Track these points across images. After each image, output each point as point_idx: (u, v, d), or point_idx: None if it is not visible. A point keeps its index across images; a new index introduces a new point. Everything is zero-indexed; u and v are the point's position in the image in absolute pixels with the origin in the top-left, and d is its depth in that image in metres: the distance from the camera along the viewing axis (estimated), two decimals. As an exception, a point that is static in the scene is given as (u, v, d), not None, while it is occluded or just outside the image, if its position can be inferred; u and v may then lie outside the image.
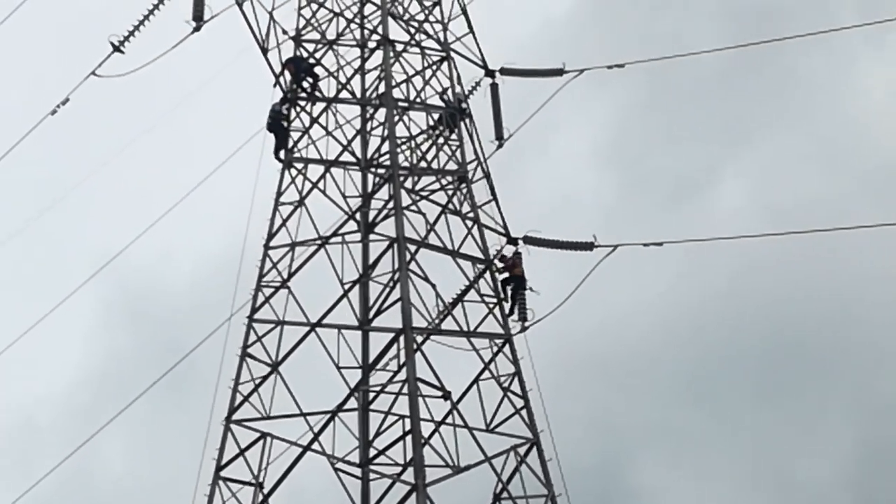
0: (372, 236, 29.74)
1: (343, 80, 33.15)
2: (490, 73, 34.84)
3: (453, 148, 31.78)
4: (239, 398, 27.08)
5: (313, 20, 34.20)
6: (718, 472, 44.44)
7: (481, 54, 34.82)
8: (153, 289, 51.51)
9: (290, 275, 28.98)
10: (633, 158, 50.45)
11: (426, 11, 34.39)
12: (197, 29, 33.95)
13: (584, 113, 48.81)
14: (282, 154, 31.33)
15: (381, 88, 32.50)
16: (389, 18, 33.61)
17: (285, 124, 31.67)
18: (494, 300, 28.51)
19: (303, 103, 32.63)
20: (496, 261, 29.47)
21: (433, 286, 27.95)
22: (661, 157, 50.04)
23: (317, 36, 34.03)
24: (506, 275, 29.35)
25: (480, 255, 29.33)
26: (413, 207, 29.50)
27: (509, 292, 29.53)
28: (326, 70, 33.35)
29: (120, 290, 49.87)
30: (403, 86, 32.60)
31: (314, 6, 34.31)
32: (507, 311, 28.80)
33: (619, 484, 43.64)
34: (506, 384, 27.21)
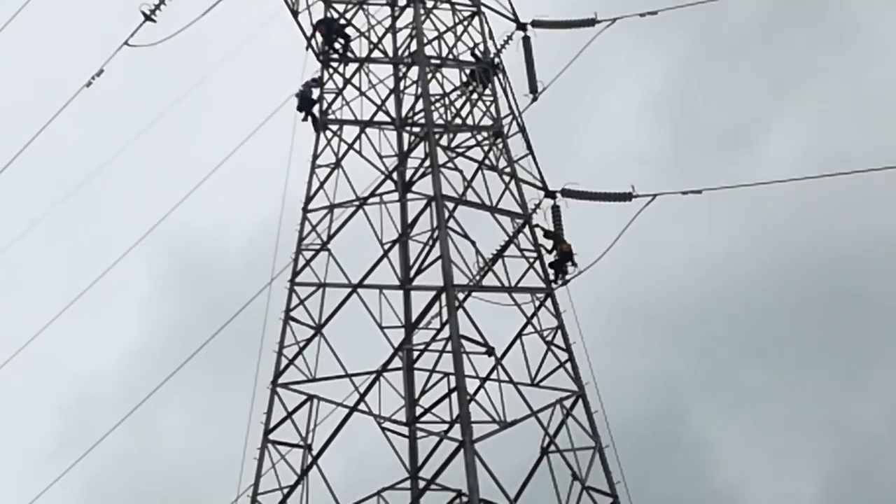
0: (410, 195, 29.74)
1: (374, 39, 33.09)
2: (522, 27, 34.56)
3: (487, 103, 31.67)
4: (284, 362, 27.22)
5: (342, -19, 34.05)
6: (775, 422, 44.28)
7: (512, 7, 34.56)
8: (199, 258, 51.82)
9: (330, 237, 29.05)
10: (683, 111, 50.15)
11: (455, -33, 34.15)
12: (227, -6, 33.89)
13: (635, 66, 48.70)
14: (314, 112, 31.23)
15: (413, 46, 32.42)
16: (419, -25, 33.41)
17: (315, 100, 31.48)
18: (534, 254, 28.43)
19: (335, 65, 32.57)
20: (543, 239, 29.11)
21: (473, 243, 27.94)
22: (711, 108, 49.66)
23: (347, -4, 33.91)
24: (554, 257, 29.00)
25: (519, 210, 29.25)
26: (449, 165, 29.44)
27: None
28: (357, 30, 33.27)
29: (170, 259, 50.17)
30: (435, 43, 32.50)
31: (343, -33, 34.17)
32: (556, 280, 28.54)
33: (675, 435, 43.66)
34: (549, 338, 27.20)
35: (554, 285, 28.69)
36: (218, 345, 31.01)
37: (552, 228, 30.24)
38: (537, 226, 29.32)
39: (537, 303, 27.59)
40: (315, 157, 30.79)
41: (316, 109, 31.50)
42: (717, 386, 45.01)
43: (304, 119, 31.32)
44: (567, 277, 29.35)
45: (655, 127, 49.69)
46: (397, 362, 27.17)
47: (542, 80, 33.67)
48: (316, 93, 31.57)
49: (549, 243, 28.62)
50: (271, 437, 26.35)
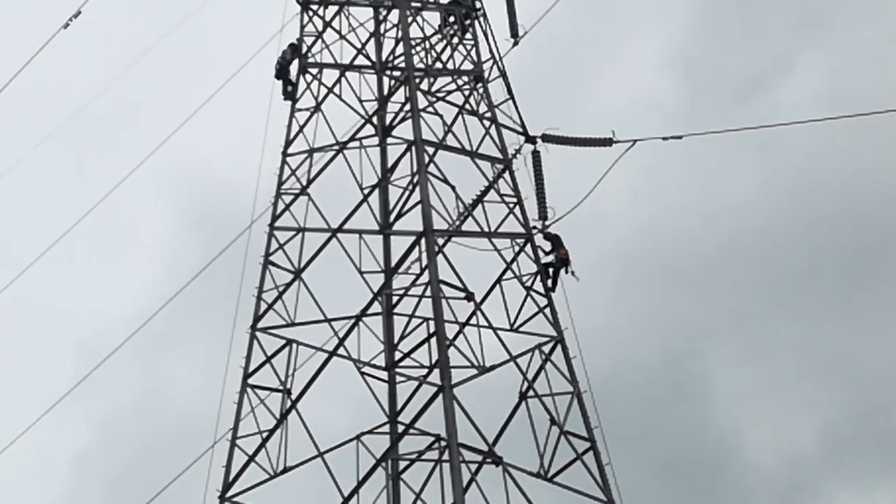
0: (389, 140, 29.65)
1: (355, -19, 32.80)
2: (503, -30, 34.32)
3: (468, 47, 31.50)
4: (263, 306, 27.19)
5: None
6: (782, 371, 44.35)
7: (493, -49, 34.27)
8: (188, 201, 51.74)
9: (310, 181, 28.96)
10: (701, 58, 49.92)
11: None
12: (205, -64, 33.62)
13: (654, 14, 48.56)
14: (290, 92, 30.91)
15: (394, -11, 32.19)
16: (399, -83, 33.10)
17: (292, 77, 31.16)
18: (514, 200, 28.37)
19: (315, 7, 32.32)
20: (540, 239, 28.44)
21: (453, 188, 27.89)
22: (729, 54, 49.44)
23: (327, -62, 33.60)
24: (551, 258, 28.07)
25: (499, 155, 29.16)
26: (430, 109, 29.32)
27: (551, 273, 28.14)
28: (337, -27, 32.99)
29: (190, 201, 50.07)
30: (416, -14, 32.25)
31: None
32: (549, 285, 27.52)
33: (680, 382, 43.78)
34: (528, 283, 27.21)
35: (533, 219, 28.67)
36: (212, 287, 31.06)
37: (534, 176, 30.10)
38: (539, 234, 28.67)
39: (517, 248, 27.58)
40: (294, 100, 30.65)
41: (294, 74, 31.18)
42: (728, 334, 45.11)
43: (284, 91, 30.93)
44: (547, 223, 29.27)
45: (672, 75, 49.63)
46: (377, 307, 27.14)
47: (524, 24, 33.50)
48: (294, 68, 31.21)
49: (547, 246, 28.24)
50: (250, 381, 26.35)
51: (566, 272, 27.84)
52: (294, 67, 31.23)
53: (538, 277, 27.31)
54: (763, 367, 44.08)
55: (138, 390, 45.94)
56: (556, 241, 28.29)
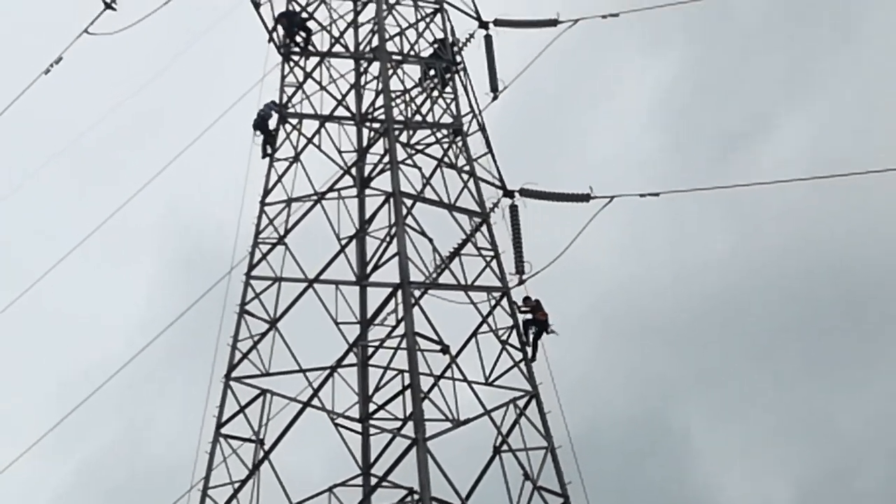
0: (368, 191, 29.70)
1: (336, 33, 33.02)
2: (484, 25, 34.58)
3: (448, 101, 31.67)
4: (238, 355, 27.12)
5: (305, -26, 33.96)
6: (758, 428, 44.37)
7: (475, 6, 34.58)
8: (160, 247, 51.70)
9: (287, 231, 28.97)
10: (685, 113, 50.24)
11: (418, -37, 34.12)
12: (189, -15, 33.78)
13: (640, 70, 48.90)
14: (269, 151, 30.87)
15: (375, 42, 32.39)
16: (382, -30, 33.36)
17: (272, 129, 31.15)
18: (491, 253, 28.44)
19: (296, 58, 32.48)
20: (520, 301, 28.24)
21: (430, 240, 27.94)
22: (715, 111, 49.74)
23: (309, -11, 33.81)
24: (529, 316, 28.01)
25: (477, 209, 29.26)
26: (409, 161, 29.43)
27: (531, 337, 27.93)
28: (319, 24, 33.21)
29: (180, 242, 49.97)
30: (397, 39, 32.47)
31: (306, -40, 34.07)
32: (529, 356, 27.30)
33: (658, 437, 43.77)
34: (504, 337, 27.23)
35: (510, 273, 28.74)
36: (192, 334, 31.01)
37: (511, 230, 30.19)
38: (525, 299, 28.51)
39: (493, 302, 27.61)
40: (274, 150, 30.73)
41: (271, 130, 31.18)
42: (706, 391, 45.19)
43: (264, 147, 30.99)
44: (524, 277, 29.33)
45: (657, 132, 49.90)
46: (352, 358, 27.12)
47: (503, 79, 33.73)
48: (274, 122, 31.23)
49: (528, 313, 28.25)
50: (223, 430, 26.25)
51: (547, 332, 27.77)
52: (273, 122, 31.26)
53: (513, 331, 27.32)
54: (739, 425, 44.20)
55: (118, 436, 45.69)
56: (536, 305, 28.20)
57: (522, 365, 26.81)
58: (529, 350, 27.44)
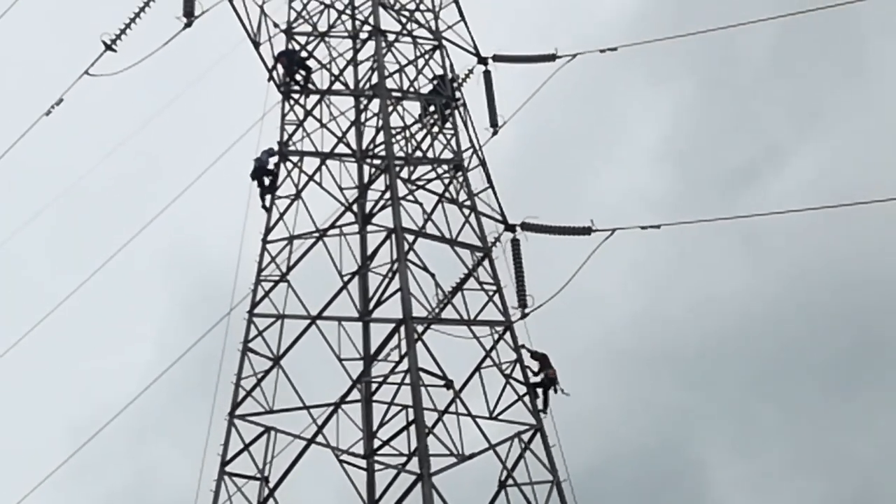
0: (369, 227, 29.74)
1: (336, 71, 33.16)
2: (483, 61, 34.83)
3: (448, 136, 31.78)
4: (241, 393, 27.10)
5: (304, 12, 34.18)
6: (775, 462, 44.19)
7: (473, 42, 34.82)
8: (166, 289, 51.76)
9: (289, 268, 29.00)
10: (694, 150, 50.29)
11: (417, 0, 34.33)
12: (188, 25, 34.00)
13: (646, 106, 49.03)
14: (267, 201, 30.79)
15: (374, 79, 32.52)
16: (380, 8, 33.57)
17: (268, 178, 31.03)
18: (494, 288, 28.47)
19: (296, 96, 32.62)
20: (530, 361, 27.96)
21: (432, 275, 27.97)
22: (722, 147, 49.80)
23: (308, 28, 34.02)
24: (538, 379, 27.68)
25: (478, 243, 29.32)
26: (410, 197, 29.49)
27: (539, 392, 27.65)
28: (319, 62, 33.37)
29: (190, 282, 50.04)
30: (396, 76, 32.61)
31: (305, -1, 34.28)
32: (539, 405, 27.18)
33: (673, 471, 43.69)
34: (508, 371, 27.22)
35: (512, 307, 28.73)
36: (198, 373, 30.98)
37: (513, 264, 30.25)
38: (523, 345, 28.19)
39: (496, 336, 27.62)
40: (275, 188, 30.79)
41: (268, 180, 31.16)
42: (718, 424, 45.07)
43: (262, 196, 30.98)
44: (526, 311, 29.38)
45: (664, 166, 50.00)
46: (355, 394, 27.09)
47: (504, 115, 33.90)
48: (272, 163, 31.22)
49: (535, 365, 28.10)
50: (228, 468, 26.19)
51: (555, 391, 27.61)
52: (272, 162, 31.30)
53: (517, 365, 27.31)
54: (754, 457, 44.10)
55: (127, 478, 45.69)
56: (543, 360, 28.02)
57: (527, 399, 26.79)
58: (540, 403, 27.18)
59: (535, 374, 27.72)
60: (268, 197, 30.82)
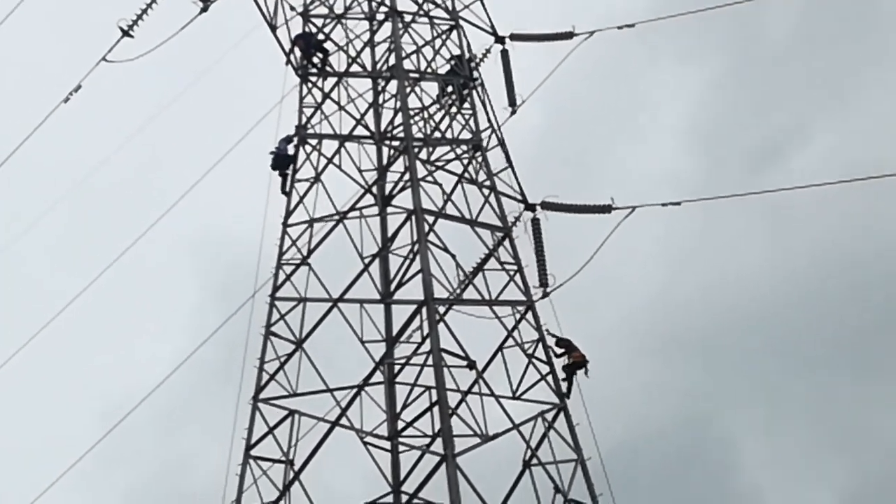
0: (389, 209, 29.75)
1: (353, 53, 33.10)
2: (500, 40, 34.68)
3: (466, 117, 31.70)
4: (265, 377, 27.16)
5: (320, -5, 34.10)
6: (800, 438, 44.08)
7: (490, 21, 34.67)
8: (191, 273, 51.88)
9: (310, 251, 29.01)
10: (719, 128, 50.06)
11: (433, -20, 34.21)
12: (204, 9, 34.08)
13: (672, 84, 48.87)
14: (288, 186, 30.75)
15: (392, 60, 32.47)
16: (397, -11, 33.49)
17: (289, 165, 30.98)
18: (515, 267, 28.43)
19: (314, 79, 32.59)
20: (555, 346, 27.76)
21: (453, 256, 27.95)
22: (748, 125, 49.54)
23: (325, 10, 33.97)
24: (567, 361, 27.54)
25: (499, 223, 29.27)
26: (429, 178, 29.46)
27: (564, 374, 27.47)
28: (336, 44, 33.31)
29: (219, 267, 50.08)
30: (414, 57, 32.57)
31: (321, -19, 34.21)
32: (565, 393, 26.87)
33: (698, 448, 43.64)
34: (530, 351, 27.21)
35: (534, 286, 28.67)
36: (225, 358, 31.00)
37: (534, 244, 30.18)
38: (548, 331, 27.98)
39: (518, 316, 27.60)
40: (295, 171, 30.78)
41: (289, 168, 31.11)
42: (745, 401, 44.86)
43: (283, 185, 30.85)
44: (548, 290, 29.34)
45: (690, 145, 49.78)
46: (378, 376, 27.15)
47: (522, 93, 33.79)
48: (291, 149, 31.18)
49: (559, 351, 27.88)
50: (253, 452, 26.27)
51: (586, 374, 27.46)
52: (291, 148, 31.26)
53: (539, 344, 27.29)
54: (780, 436, 43.96)
55: (159, 462, 45.93)
56: (568, 345, 27.87)
57: (549, 378, 26.77)
58: (565, 386, 27.02)
59: (559, 356, 27.59)
60: (289, 182, 30.79)
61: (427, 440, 25.89)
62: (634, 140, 47.75)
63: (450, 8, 33.73)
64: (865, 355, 44.41)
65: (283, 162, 31.04)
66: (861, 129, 47.69)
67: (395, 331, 27.86)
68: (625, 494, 25.28)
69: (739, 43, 49.09)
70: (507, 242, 28.96)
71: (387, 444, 26.56)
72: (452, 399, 25.03)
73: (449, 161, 30.48)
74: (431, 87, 32.38)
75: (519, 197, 31.10)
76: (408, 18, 33.12)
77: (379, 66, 32.99)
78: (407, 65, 32.16)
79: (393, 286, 28.46)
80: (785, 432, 44.00)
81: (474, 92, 32.32)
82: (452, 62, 32.80)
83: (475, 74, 32.83)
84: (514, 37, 34.67)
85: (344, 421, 26.11)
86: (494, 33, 34.66)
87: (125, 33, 34.02)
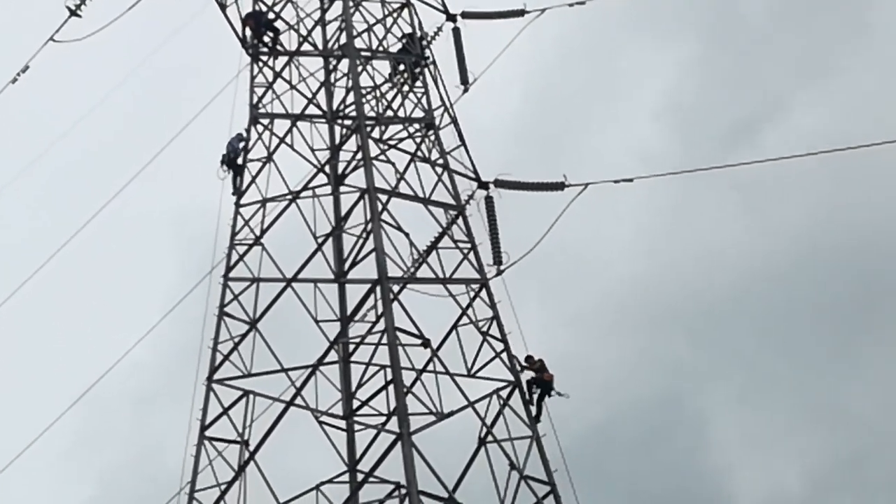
0: (342, 188, 29.71)
1: (304, 32, 32.99)
2: (451, 18, 34.59)
3: (419, 95, 31.67)
4: (219, 357, 27.08)
5: (270, -27, 33.90)
6: (775, 415, 44.36)
7: (441, -1, 34.61)
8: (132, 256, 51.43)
9: (263, 231, 28.94)
10: (695, 106, 50.08)
11: (383, -41, 34.10)
12: (153, -12, 33.72)
13: (647, 64, 48.91)
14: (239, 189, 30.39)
15: (343, 39, 32.36)
16: (347, -32, 33.33)
17: (240, 162, 30.78)
18: (469, 246, 28.47)
19: (265, 58, 32.44)
20: (523, 363, 27.24)
21: (406, 235, 27.97)
22: (721, 100, 49.61)
23: (275, -11, 33.76)
24: (532, 374, 27.11)
25: (452, 202, 29.28)
26: (382, 157, 29.44)
27: (535, 397, 26.96)
28: (287, 23, 33.17)
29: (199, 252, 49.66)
30: (365, 35, 32.48)
31: (270, -40, 34.00)
32: (533, 414, 26.46)
33: (672, 424, 43.86)
34: (484, 328, 27.26)
35: (487, 264, 28.68)
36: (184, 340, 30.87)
37: (487, 222, 30.19)
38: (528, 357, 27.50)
39: (472, 294, 27.65)
40: (246, 151, 30.68)
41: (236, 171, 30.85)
42: (719, 377, 45.12)
43: (234, 182, 30.62)
44: (502, 267, 29.37)
45: (664, 122, 49.80)
46: (333, 356, 27.14)
47: (473, 71, 33.75)
48: (243, 146, 30.92)
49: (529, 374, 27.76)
50: (208, 433, 26.22)
51: (549, 395, 27.12)
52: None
53: (494, 322, 27.35)
54: (754, 412, 44.24)
55: (131, 444, 45.68)
56: (541, 365, 27.31)
57: (504, 356, 26.85)
58: (534, 410, 26.67)
59: (524, 369, 27.24)
60: (239, 180, 30.53)
61: (382, 419, 25.97)
62: (610, 119, 47.85)
63: (401, -14, 33.63)
64: (842, 331, 44.86)
65: (235, 161, 30.83)
66: (837, 108, 47.96)
67: (349, 310, 27.85)
68: (591, 474, 25.38)
69: (716, 19, 49.19)
70: (460, 221, 28.98)
71: (342, 424, 26.59)
72: (407, 377, 25.10)
73: (402, 140, 30.48)
74: (383, 66, 32.39)
75: (472, 175, 31.09)
76: (359, -3, 33.00)
77: (330, 44, 32.88)
78: (358, 43, 32.12)
79: (347, 265, 28.46)
80: (758, 410, 44.34)
81: (426, 70, 32.29)
82: (404, 40, 32.74)
83: (427, 53, 32.77)
84: (465, 14, 34.60)
85: (299, 401, 26.09)
86: (446, 11, 34.59)
87: (73, 13, 33.72)
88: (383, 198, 28.13)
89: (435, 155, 30.23)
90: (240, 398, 26.52)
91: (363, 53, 32.01)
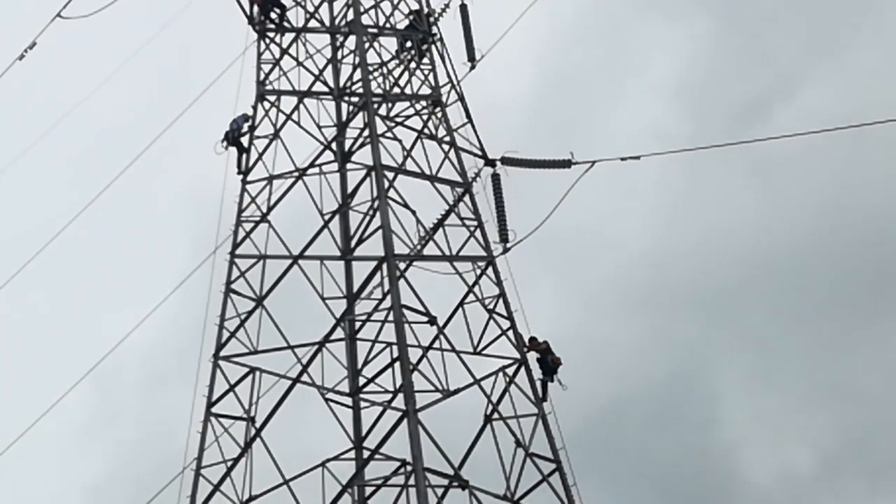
0: (349, 165, 29.67)
1: (311, 9, 32.87)
2: (458, -6, 34.44)
3: (426, 72, 31.59)
4: (225, 335, 27.12)
5: (277, -51, 33.76)
6: (785, 395, 44.34)
7: (448, -25, 34.39)
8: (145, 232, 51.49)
9: (270, 208, 28.94)
10: (707, 85, 49.93)
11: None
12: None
13: (660, 43, 48.80)
14: (244, 168, 30.39)
15: (350, 15, 32.28)
16: (354, -57, 33.20)
17: (245, 141, 30.72)
18: (475, 223, 28.42)
19: (272, 35, 32.37)
20: (529, 345, 27.18)
21: (413, 212, 27.91)
22: (733, 79, 49.45)
23: (282, -34, 33.64)
24: (538, 355, 27.07)
25: (459, 179, 29.24)
26: (388, 134, 29.38)
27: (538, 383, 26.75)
28: (294, 0, 33.05)
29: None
30: (372, 12, 32.37)
31: (278, -64, 33.85)
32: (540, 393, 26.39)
33: (681, 403, 43.85)
34: (491, 306, 27.24)
35: (494, 241, 28.62)
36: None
37: (494, 199, 30.13)
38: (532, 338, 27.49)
39: (478, 271, 27.62)
40: (253, 127, 30.65)
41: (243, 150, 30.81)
42: (731, 357, 45.11)
43: (238, 162, 30.56)
44: (508, 246, 29.33)
45: (676, 101, 49.65)
46: (339, 333, 27.14)
47: (481, 48, 33.63)
48: (247, 127, 30.85)
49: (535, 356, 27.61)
50: (214, 410, 26.27)
51: (551, 381, 27.08)
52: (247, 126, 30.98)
53: (500, 300, 27.33)
54: (765, 392, 44.20)
55: (145, 421, 45.89)
56: (546, 347, 27.32)
57: (510, 333, 26.84)
58: (540, 391, 26.54)
59: (529, 349, 27.10)
60: (244, 161, 30.48)
61: (388, 396, 25.94)
62: (623, 98, 47.76)
63: (408, -38, 33.49)
64: (853, 309, 44.76)
65: (238, 140, 30.77)
66: (848, 85, 47.73)
67: (355, 287, 27.83)
68: (603, 451, 25.40)
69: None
70: (467, 198, 28.93)
71: (348, 401, 26.59)
72: (413, 355, 25.12)
73: (408, 117, 30.43)
74: (390, 43, 32.27)
75: (479, 152, 31.03)
76: (366, -27, 32.87)
77: (337, 21, 32.80)
78: (365, 20, 32.01)
79: (353, 242, 28.44)
80: (769, 388, 44.30)
81: (433, 47, 32.20)
82: (411, 17, 32.63)
83: (434, 30, 32.66)
84: (472, -8, 34.42)
85: (305, 378, 26.08)
86: (452, -12, 34.40)
87: (80, -11, 33.66)
88: (390, 175, 28.10)
89: (442, 132, 30.17)
90: (246, 375, 26.56)
91: (370, 30, 31.91)
